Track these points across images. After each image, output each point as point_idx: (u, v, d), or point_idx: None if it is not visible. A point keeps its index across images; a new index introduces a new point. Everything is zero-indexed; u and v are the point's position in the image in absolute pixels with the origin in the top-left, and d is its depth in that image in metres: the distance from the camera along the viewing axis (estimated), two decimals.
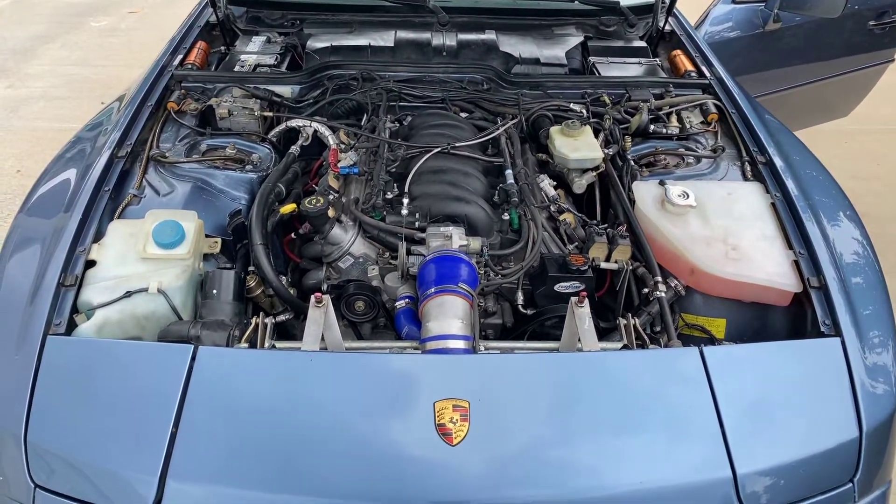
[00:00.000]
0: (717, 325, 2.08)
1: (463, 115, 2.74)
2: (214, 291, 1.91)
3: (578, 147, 2.30)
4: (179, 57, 2.78)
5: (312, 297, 1.74)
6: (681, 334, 2.07)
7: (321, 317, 1.74)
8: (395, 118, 2.69)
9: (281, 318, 2.10)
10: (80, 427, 1.56)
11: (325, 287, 2.18)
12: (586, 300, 1.77)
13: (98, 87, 5.90)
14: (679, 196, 2.12)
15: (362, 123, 2.68)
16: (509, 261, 2.13)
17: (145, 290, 1.84)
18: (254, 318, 1.86)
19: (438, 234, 1.99)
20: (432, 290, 1.81)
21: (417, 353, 1.71)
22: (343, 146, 2.53)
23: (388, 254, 2.14)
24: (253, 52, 2.94)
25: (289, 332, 2.13)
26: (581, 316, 1.75)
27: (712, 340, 2.06)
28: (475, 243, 1.98)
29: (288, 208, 2.14)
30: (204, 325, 1.83)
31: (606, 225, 2.26)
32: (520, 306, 2.08)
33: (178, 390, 1.59)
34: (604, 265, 2.11)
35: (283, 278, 2.18)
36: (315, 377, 1.63)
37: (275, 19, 3.16)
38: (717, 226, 2.09)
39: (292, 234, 2.31)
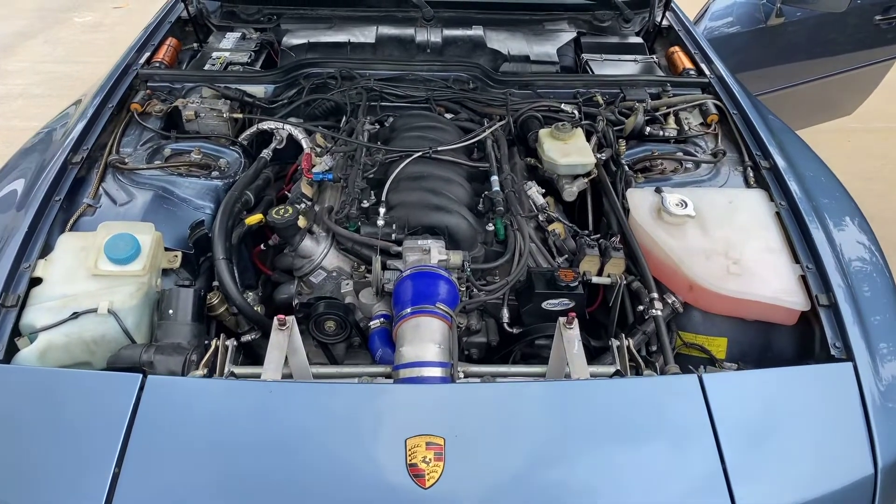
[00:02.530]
0: (717, 344, 1.93)
1: (448, 116, 2.58)
2: (171, 312, 1.76)
3: (569, 152, 2.14)
4: (146, 55, 2.62)
5: (275, 318, 1.59)
6: (679, 354, 1.92)
7: (284, 341, 1.59)
8: (375, 119, 2.53)
9: (246, 337, 1.95)
10: (12, 466, 1.41)
11: (296, 303, 2.03)
12: (576, 321, 1.62)
13: (80, 84, 5.72)
14: (677, 205, 1.96)
15: (340, 125, 2.52)
16: (494, 275, 1.97)
17: (94, 310, 1.69)
18: (214, 341, 1.70)
19: (416, 248, 1.84)
20: (408, 310, 1.65)
21: (389, 382, 1.56)
22: (318, 150, 2.37)
23: (363, 268, 1.99)
24: (226, 49, 2.77)
25: (255, 352, 1.98)
26: (570, 339, 1.60)
27: (712, 361, 1.91)
28: (456, 258, 1.83)
29: (254, 219, 1.98)
30: (158, 349, 1.68)
31: (599, 235, 2.10)
32: (505, 324, 1.93)
33: (122, 425, 1.43)
34: (595, 280, 1.96)
35: (250, 294, 2.02)
36: (275, 411, 1.48)
37: (250, 14, 3.00)
38: (717, 237, 1.94)
39: (262, 246, 2.15)
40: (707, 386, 1.52)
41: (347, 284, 1.97)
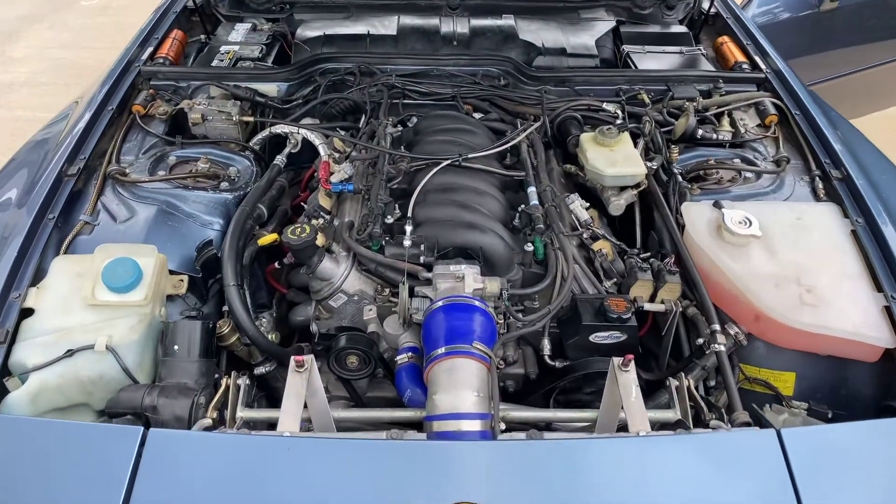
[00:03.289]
0: (784, 379, 1.73)
1: (476, 115, 2.37)
2: (176, 347, 1.57)
3: (616, 160, 1.92)
4: (150, 49, 2.41)
5: (292, 359, 1.40)
6: (740, 389, 1.71)
7: (303, 385, 1.41)
8: (397, 120, 2.32)
9: (260, 369, 1.77)
10: None
11: (314, 330, 1.85)
12: (632, 363, 1.41)
13: (86, 72, 5.53)
14: (740, 223, 1.75)
15: (360, 125, 2.31)
16: (533, 300, 1.77)
17: (91, 347, 1.52)
18: (224, 379, 1.52)
19: (448, 275, 1.64)
20: (441, 350, 1.46)
21: (421, 437, 1.37)
22: (336, 156, 2.16)
23: (387, 290, 1.79)
24: (236, 42, 2.56)
25: (271, 384, 1.80)
26: (626, 384, 1.40)
27: (778, 399, 1.71)
28: (493, 286, 1.63)
29: (267, 239, 1.79)
30: (162, 390, 1.50)
31: (649, 254, 1.89)
32: (546, 356, 1.73)
33: (122, 486, 1.26)
34: (648, 307, 1.76)
35: (264, 316, 1.84)
36: (294, 470, 1.29)
37: (261, 3, 2.77)
38: (786, 261, 1.72)
39: (276, 264, 1.96)
40: (787, 444, 1.32)
41: (370, 310, 1.78)
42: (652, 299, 1.78)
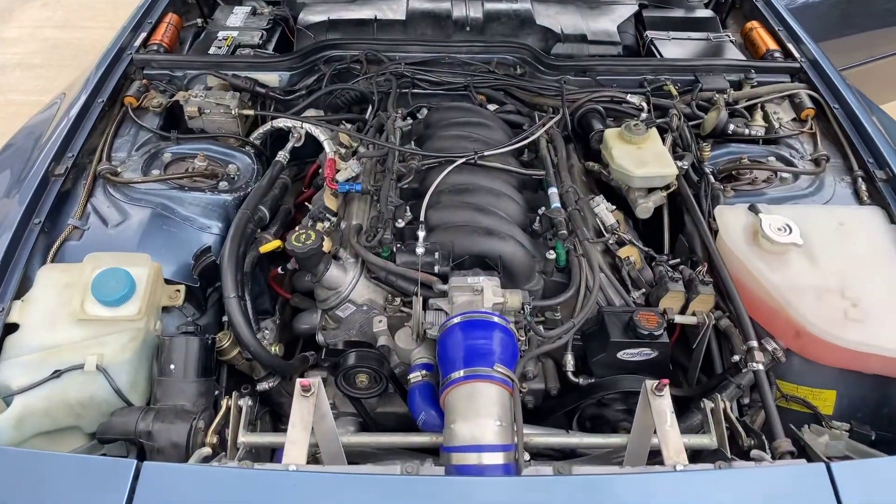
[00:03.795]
0: (823, 397, 1.62)
1: (491, 106, 2.23)
2: (172, 367, 1.46)
3: (644, 160, 1.79)
4: (143, 35, 2.26)
5: (298, 383, 1.29)
6: (777, 407, 1.60)
7: (309, 412, 1.29)
8: (406, 112, 2.19)
9: (263, 385, 1.66)
10: None
11: (319, 339, 1.73)
12: (667, 388, 1.30)
13: (80, 53, 5.35)
14: (779, 229, 1.62)
15: (367, 117, 2.17)
16: (555, 311, 1.66)
17: (80, 367, 1.41)
18: (224, 400, 1.41)
19: (465, 288, 1.51)
20: (459, 374, 1.34)
21: (439, 473, 1.26)
22: (343, 151, 2.03)
23: (398, 300, 1.67)
24: (234, 27, 2.41)
25: (275, 399, 1.69)
26: (660, 410, 1.29)
27: (817, 419, 1.60)
28: (514, 299, 1.50)
29: (269, 246, 1.67)
30: (158, 414, 1.40)
31: (679, 261, 1.76)
32: (569, 373, 1.62)
33: None
34: (679, 319, 1.64)
35: (266, 330, 1.73)
36: None
37: None
38: (829, 271, 1.60)
39: (279, 269, 1.84)
40: (838, 481, 1.21)
41: (380, 322, 1.66)
42: (683, 311, 1.66)
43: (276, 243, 1.67)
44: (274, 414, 1.75)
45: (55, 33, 5.83)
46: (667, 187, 1.80)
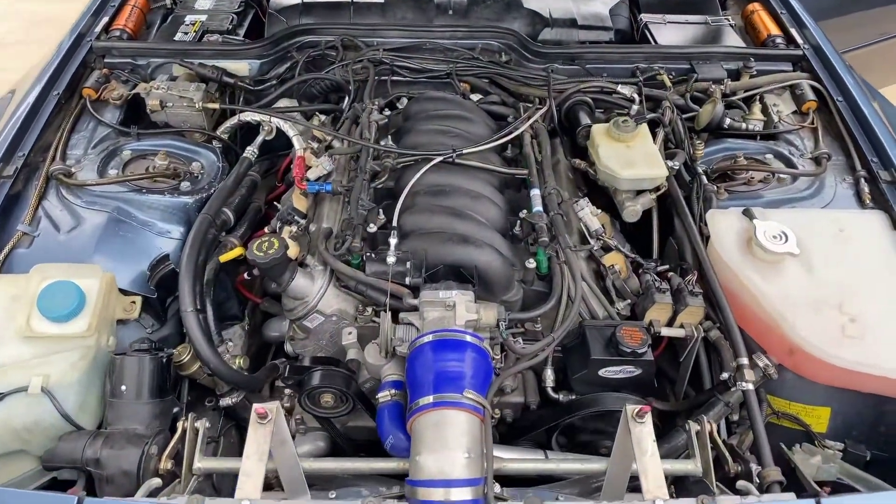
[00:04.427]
0: (817, 414, 1.54)
1: (474, 96, 2.10)
2: (123, 388, 1.37)
3: (633, 160, 1.67)
4: (104, 20, 2.13)
5: (254, 409, 1.21)
6: (768, 424, 1.52)
7: (266, 441, 1.21)
8: (385, 102, 2.06)
9: (227, 400, 1.57)
10: None
11: (288, 348, 1.65)
12: (649, 415, 1.21)
13: (65, 30, 5.22)
14: (774, 237, 1.51)
15: (343, 106, 2.05)
16: (536, 323, 1.56)
17: (24, 389, 1.32)
18: (181, 422, 1.33)
19: (437, 303, 1.42)
20: (428, 399, 1.25)
21: None
22: (315, 146, 1.92)
23: (370, 310, 1.58)
24: (203, 10, 2.27)
25: (240, 415, 1.61)
26: (641, 438, 1.20)
27: (810, 437, 1.52)
28: (489, 315, 1.41)
29: (230, 255, 1.57)
30: (108, 439, 1.32)
31: (668, 267, 1.67)
32: (549, 389, 1.53)
33: None
34: (665, 332, 1.55)
35: (230, 342, 1.65)
36: None
37: None
38: (827, 281, 1.50)
39: (245, 274, 1.74)
40: None
41: (350, 334, 1.57)
42: (670, 322, 1.56)
43: (237, 251, 1.57)
44: (241, 428, 1.66)
45: (35, 6, 5.64)
46: (656, 189, 1.69)
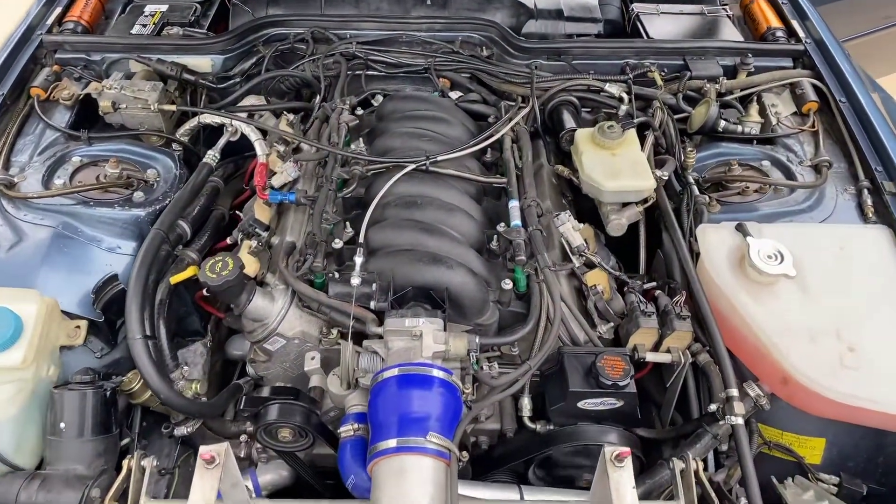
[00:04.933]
0: (811, 445, 1.45)
1: (454, 94, 1.97)
2: (63, 426, 1.27)
3: (618, 169, 1.55)
4: (58, 10, 1.98)
5: (199, 454, 1.11)
6: (759, 454, 1.43)
7: (212, 487, 1.12)
8: (358, 99, 1.94)
9: (181, 430, 1.47)
10: None
11: (250, 371, 1.55)
12: (629, 458, 1.11)
13: (12, 21, 5.02)
14: (769, 258, 1.40)
15: (314, 103, 1.93)
16: (512, 347, 1.46)
17: None
18: (126, 460, 1.23)
19: (403, 332, 1.31)
20: (390, 443, 1.16)
21: None
22: (282, 150, 1.79)
23: (335, 332, 1.48)
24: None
25: (196, 443, 1.51)
26: (619, 484, 1.12)
27: (802, 470, 1.42)
28: (459, 344, 1.30)
29: (182, 276, 1.45)
30: (45, 482, 1.23)
31: (655, 284, 1.56)
32: (525, 418, 1.43)
33: None
34: (651, 357, 1.45)
35: (186, 366, 1.54)
36: None
37: None
38: (824, 306, 1.40)
39: (205, 290, 1.63)
40: None
41: (313, 359, 1.46)
42: (657, 345, 1.46)
43: (190, 271, 1.46)
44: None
45: None
46: (644, 201, 1.57)
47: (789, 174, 1.66)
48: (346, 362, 1.33)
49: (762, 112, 1.79)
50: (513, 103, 1.91)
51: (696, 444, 1.37)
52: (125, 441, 1.42)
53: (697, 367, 1.48)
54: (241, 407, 1.40)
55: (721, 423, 1.35)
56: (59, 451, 1.27)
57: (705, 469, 1.42)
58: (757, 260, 1.40)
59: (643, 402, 1.58)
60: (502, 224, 1.58)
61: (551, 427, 1.42)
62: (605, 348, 1.41)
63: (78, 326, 1.41)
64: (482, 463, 1.53)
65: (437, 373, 1.25)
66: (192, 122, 1.81)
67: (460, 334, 1.32)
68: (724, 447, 1.46)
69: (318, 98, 1.93)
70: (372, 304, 1.38)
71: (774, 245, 1.41)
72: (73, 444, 1.27)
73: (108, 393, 1.32)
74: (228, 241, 1.69)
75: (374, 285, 1.40)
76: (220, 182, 1.80)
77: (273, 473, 1.55)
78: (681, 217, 1.56)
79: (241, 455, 1.47)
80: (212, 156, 1.74)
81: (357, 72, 2.01)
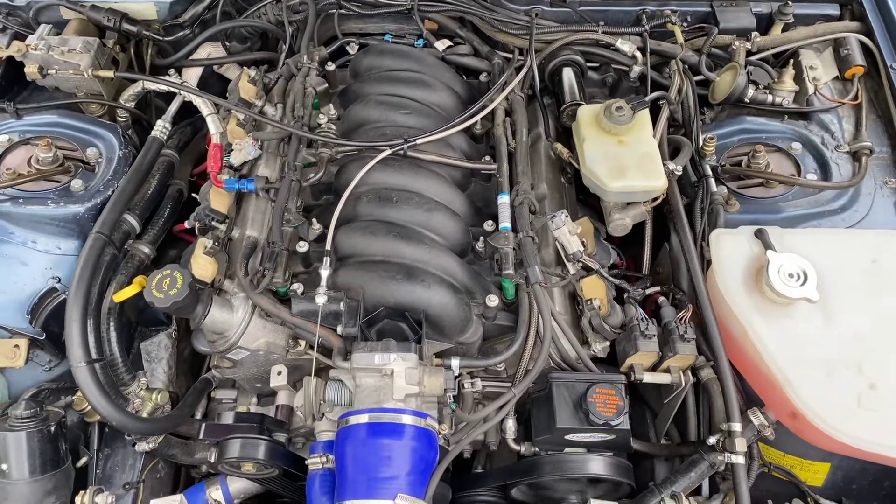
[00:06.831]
0: (814, 469, 1.36)
1: (440, 44, 1.70)
2: (5, 467, 1.17)
3: (624, 164, 1.33)
4: None
5: None
6: (762, 474, 1.34)
7: None
8: (329, 51, 1.68)
9: (143, 446, 1.37)
10: None
11: (214, 374, 1.44)
12: None
13: None
14: (790, 277, 1.23)
15: (279, 58, 1.67)
16: (498, 367, 1.34)
17: None
18: (79, 496, 1.16)
19: (371, 370, 1.17)
20: None
21: None
22: (241, 118, 1.56)
23: (303, 343, 1.34)
24: None
25: (163, 454, 1.42)
26: None
27: (801, 494, 1.34)
28: (434, 383, 1.17)
29: (124, 294, 1.28)
30: None
31: (658, 290, 1.40)
32: (510, 441, 1.33)
33: None
34: (648, 378, 1.32)
35: (143, 377, 1.42)
36: None
37: None
38: (847, 332, 1.25)
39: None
40: None
41: (280, 374, 1.35)
42: (655, 367, 1.33)
43: (134, 287, 1.29)
44: (169, 462, 1.50)
45: None
46: (653, 200, 1.37)
47: (822, 161, 1.44)
48: (311, 397, 1.20)
49: (797, 78, 1.53)
50: (508, 55, 1.65)
51: (691, 472, 1.28)
52: (83, 460, 1.33)
53: (699, 382, 1.35)
54: (202, 436, 1.29)
55: (719, 458, 1.25)
56: (6, 493, 1.18)
57: (699, 493, 1.34)
58: (776, 279, 1.23)
59: (638, 407, 1.48)
60: (490, 222, 1.40)
61: (536, 450, 1.32)
62: (597, 375, 1.27)
63: (17, 346, 1.28)
64: (464, 475, 1.46)
65: (407, 419, 1.13)
66: (137, 87, 1.56)
67: (436, 370, 1.18)
68: (722, 467, 1.37)
69: (283, 48, 1.67)
70: (339, 329, 1.24)
71: (798, 262, 1.23)
72: (19, 485, 1.18)
73: (51, 429, 1.21)
74: (186, 224, 1.52)
75: (341, 304, 1.24)
76: (175, 155, 1.59)
77: (243, 481, 1.48)
78: (693, 216, 1.36)
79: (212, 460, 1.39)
80: (162, 127, 1.52)
81: (329, 11, 1.73)
